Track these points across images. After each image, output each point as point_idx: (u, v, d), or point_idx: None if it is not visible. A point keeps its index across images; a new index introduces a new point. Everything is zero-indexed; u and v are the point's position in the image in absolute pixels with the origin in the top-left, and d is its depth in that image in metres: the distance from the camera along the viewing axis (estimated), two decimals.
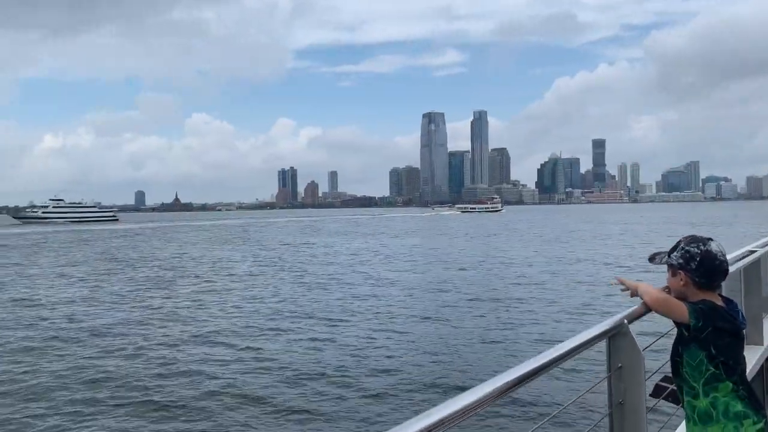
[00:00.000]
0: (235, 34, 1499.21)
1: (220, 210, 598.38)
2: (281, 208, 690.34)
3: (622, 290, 3.50)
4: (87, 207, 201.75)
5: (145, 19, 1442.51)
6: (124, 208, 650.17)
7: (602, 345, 3.23)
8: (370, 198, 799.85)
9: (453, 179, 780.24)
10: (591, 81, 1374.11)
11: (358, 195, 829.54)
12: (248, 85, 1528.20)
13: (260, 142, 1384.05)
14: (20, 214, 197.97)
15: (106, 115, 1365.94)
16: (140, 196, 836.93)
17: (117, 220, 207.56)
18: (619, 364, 3.24)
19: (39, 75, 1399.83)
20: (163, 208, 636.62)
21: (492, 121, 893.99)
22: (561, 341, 2.82)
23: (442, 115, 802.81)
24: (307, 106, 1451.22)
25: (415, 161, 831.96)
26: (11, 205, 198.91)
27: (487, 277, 36.92)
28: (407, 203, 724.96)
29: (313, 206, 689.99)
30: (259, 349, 19.50)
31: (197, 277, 40.75)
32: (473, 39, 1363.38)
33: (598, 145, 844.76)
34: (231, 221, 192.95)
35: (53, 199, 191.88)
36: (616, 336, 3.23)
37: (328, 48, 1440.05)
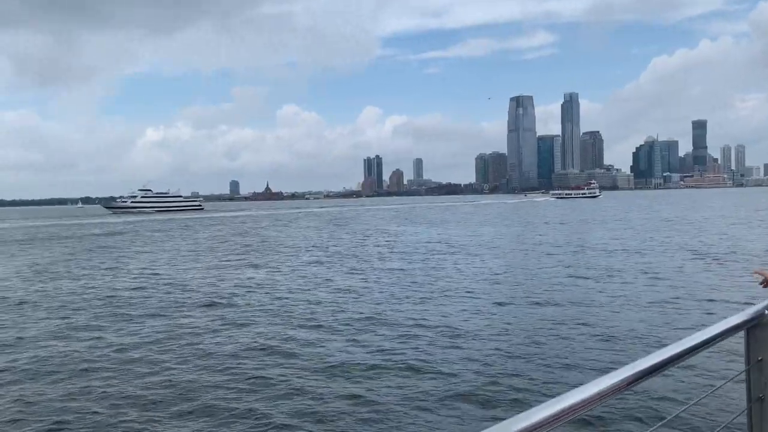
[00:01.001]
0: (321, 25, 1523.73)
1: (308, 198, 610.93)
2: (367, 196, 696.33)
3: (761, 284, 3.38)
4: (173, 196, 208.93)
5: (237, 15, 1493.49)
6: (220, 197, 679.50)
7: (739, 337, 3.02)
8: (456, 185, 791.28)
9: (542, 165, 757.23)
10: (691, 58, 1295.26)
11: (443, 182, 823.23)
12: (335, 75, 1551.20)
13: (347, 131, 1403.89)
14: (111, 205, 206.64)
15: (203, 108, 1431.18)
16: (234, 185, 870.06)
17: (202, 208, 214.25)
18: (759, 357, 3.04)
19: (140, 72, 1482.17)
20: (255, 196, 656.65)
21: (584, 104, 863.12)
22: (694, 331, 2.69)
23: (531, 98, 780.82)
24: (393, 94, 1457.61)
25: (502, 147, 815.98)
26: (117, 194, 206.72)
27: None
28: (493, 190, 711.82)
29: (398, 194, 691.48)
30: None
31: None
32: (564, 19, 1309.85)
33: (699, 127, 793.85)
34: (321, 209, 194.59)
35: (142, 190, 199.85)
36: (755, 327, 3.01)
37: (414, 35, 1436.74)
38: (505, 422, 1.59)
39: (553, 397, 1.75)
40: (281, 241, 61.59)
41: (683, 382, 12.91)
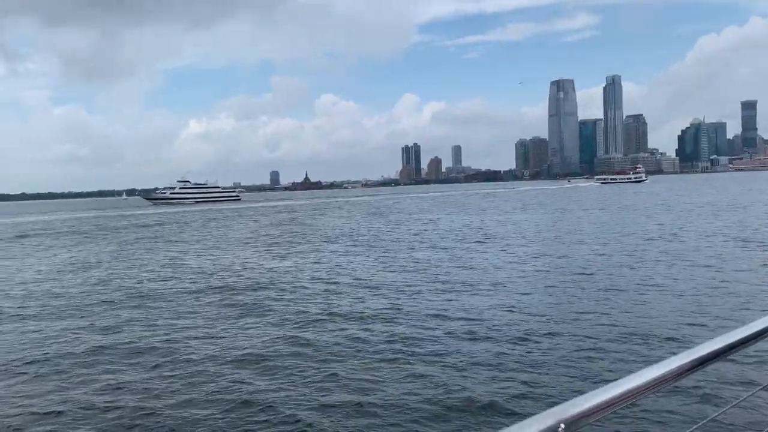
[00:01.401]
0: (359, 14, 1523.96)
1: (346, 188, 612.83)
2: (405, 184, 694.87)
3: None
4: (211, 187, 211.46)
5: (277, 6, 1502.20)
6: (261, 188, 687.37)
7: None
8: (495, 172, 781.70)
9: (584, 149, 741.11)
10: (741, 37, 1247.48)
11: (483, 169, 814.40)
12: (373, 64, 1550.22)
13: (384, 120, 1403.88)
14: (150, 196, 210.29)
15: (244, 99, 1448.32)
16: (275, 175, 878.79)
17: (239, 199, 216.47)
18: None
19: (183, 65, 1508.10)
20: (295, 186, 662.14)
21: (627, 86, 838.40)
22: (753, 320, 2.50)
23: (572, 81, 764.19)
24: (431, 80, 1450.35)
25: (543, 132, 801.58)
26: (162, 186, 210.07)
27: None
28: (534, 176, 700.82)
29: (437, 182, 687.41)
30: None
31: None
32: (606, 0, 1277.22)
33: (749, 107, 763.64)
34: (357, 198, 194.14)
35: (180, 181, 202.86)
36: None
37: (452, 20, 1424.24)
38: (558, 407, 1.56)
39: (598, 387, 1.70)
40: (312, 229, 61.19)
41: (742, 372, 12.03)
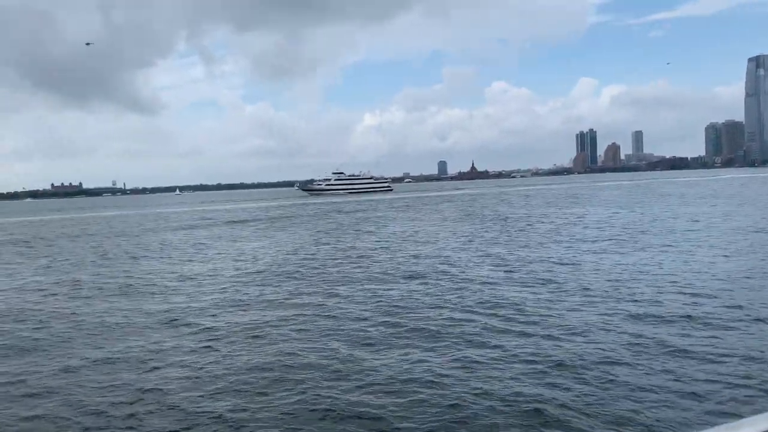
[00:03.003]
0: None
1: (514, 176, 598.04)
2: (579, 172, 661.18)
3: None
4: (364, 178, 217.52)
5: None
6: (428, 178, 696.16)
7: None
8: (681, 159, 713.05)
9: None
10: None
11: (667, 156, 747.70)
12: (546, 48, 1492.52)
13: (559, 105, 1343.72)
14: (307, 187, 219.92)
15: (415, 91, 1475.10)
16: (443, 165, 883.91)
17: (391, 189, 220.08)
18: None
19: (358, 60, 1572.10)
20: (461, 176, 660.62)
21: None
22: None
23: None
24: (610, 62, 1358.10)
25: (739, 114, 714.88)
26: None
27: None
28: (727, 163, 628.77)
29: (614, 170, 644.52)
30: None
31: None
32: None
33: None
34: (539, 187, 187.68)
35: (335, 173, 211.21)
36: None
37: None
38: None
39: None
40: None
41: None
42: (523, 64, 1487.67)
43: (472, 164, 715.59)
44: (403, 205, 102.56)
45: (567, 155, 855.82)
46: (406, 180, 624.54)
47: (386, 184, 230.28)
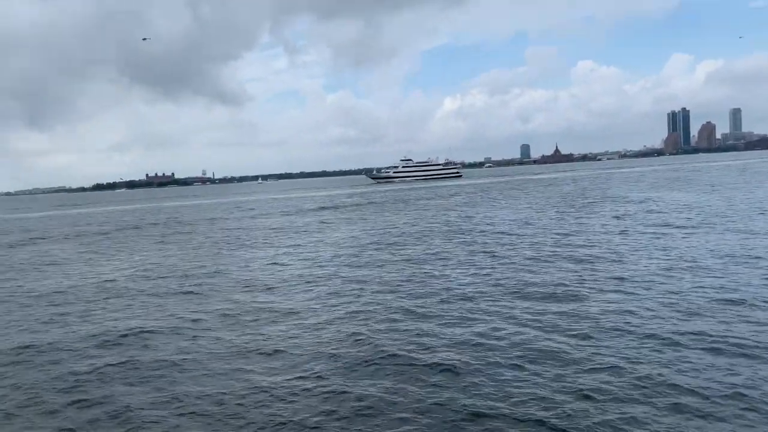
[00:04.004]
0: None
1: (599, 159, 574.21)
2: (670, 154, 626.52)
3: None
4: (433, 165, 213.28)
5: None
6: (510, 162, 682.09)
7: None
8: None
9: None
10: None
11: None
12: (636, 25, 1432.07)
13: (649, 84, 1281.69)
14: (374, 175, 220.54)
15: (497, 73, 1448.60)
16: (525, 149, 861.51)
17: (461, 176, 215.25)
18: None
19: (438, 45, 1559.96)
20: (544, 159, 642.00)
21: None
22: None
23: None
24: (706, 36, 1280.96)
25: None
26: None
27: None
28: None
29: (708, 150, 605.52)
30: None
31: None
32: None
33: None
34: (632, 170, 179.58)
35: (403, 159, 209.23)
36: None
37: None
38: None
39: None
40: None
41: None
42: (611, 41, 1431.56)
43: (556, 147, 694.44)
44: (479, 191, 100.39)
45: (658, 136, 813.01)
46: (486, 165, 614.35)
47: (455, 170, 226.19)
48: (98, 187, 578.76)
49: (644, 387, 11.44)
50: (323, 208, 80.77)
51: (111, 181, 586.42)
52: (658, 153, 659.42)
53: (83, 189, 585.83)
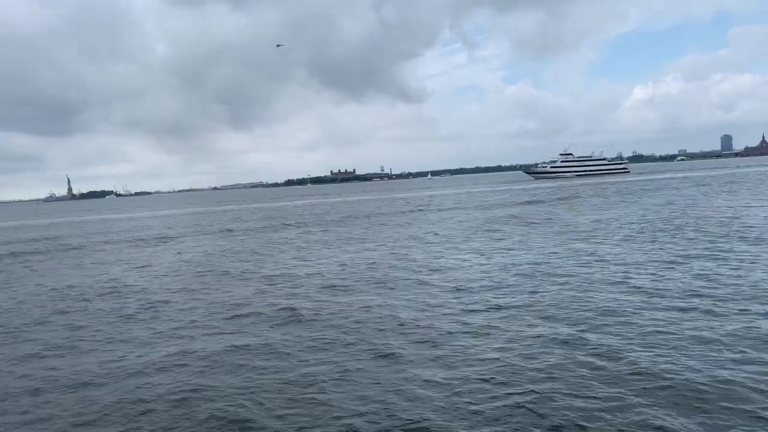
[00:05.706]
0: None
1: None
2: None
3: None
4: (596, 160, 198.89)
5: None
6: (707, 155, 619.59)
7: None
8: None
9: None
10: None
11: None
12: None
13: None
14: (531, 170, 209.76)
15: (694, 58, 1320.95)
16: (726, 140, 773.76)
17: (627, 171, 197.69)
18: None
19: (626, 31, 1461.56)
20: (748, 152, 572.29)
21: None
22: None
23: None
24: None
25: None
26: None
27: None
28: None
29: None
30: None
31: None
32: None
33: None
34: None
35: (562, 154, 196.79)
36: None
37: None
38: None
39: None
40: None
41: None
42: None
43: (763, 138, 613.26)
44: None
45: None
46: (678, 158, 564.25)
47: (622, 166, 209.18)
48: (289, 183, 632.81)
49: None
50: (529, 202, 73.51)
51: (300, 177, 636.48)
52: None
53: (276, 184, 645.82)
